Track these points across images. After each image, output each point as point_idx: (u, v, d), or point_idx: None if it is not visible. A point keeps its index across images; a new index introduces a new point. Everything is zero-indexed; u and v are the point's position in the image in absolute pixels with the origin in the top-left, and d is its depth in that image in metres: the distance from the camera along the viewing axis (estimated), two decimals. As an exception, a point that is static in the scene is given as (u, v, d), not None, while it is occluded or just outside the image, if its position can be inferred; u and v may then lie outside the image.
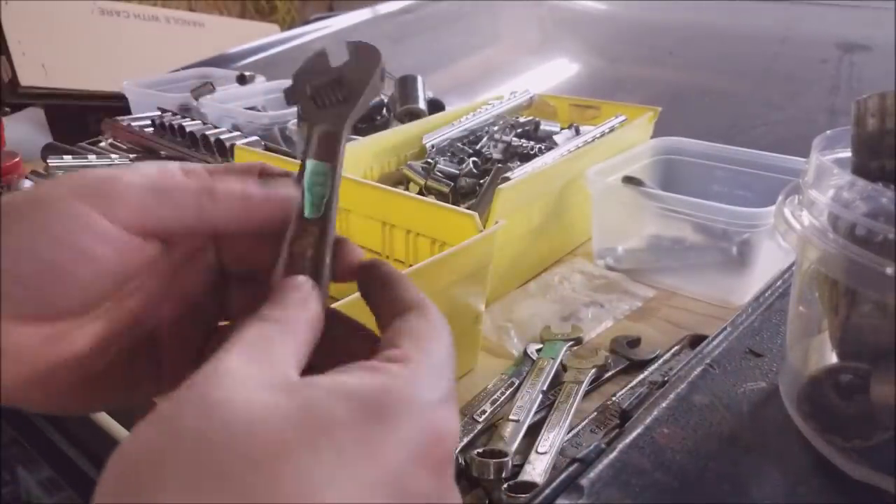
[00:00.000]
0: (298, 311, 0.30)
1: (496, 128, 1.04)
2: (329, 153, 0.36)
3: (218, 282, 0.36)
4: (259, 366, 0.26)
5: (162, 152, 1.16)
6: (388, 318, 0.32)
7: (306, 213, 0.35)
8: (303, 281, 0.32)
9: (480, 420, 0.62)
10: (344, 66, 0.38)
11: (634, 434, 0.46)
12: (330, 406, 0.24)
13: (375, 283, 0.34)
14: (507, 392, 0.66)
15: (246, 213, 0.33)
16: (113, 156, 1.17)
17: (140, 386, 0.35)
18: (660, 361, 0.69)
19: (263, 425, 0.23)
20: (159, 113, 1.32)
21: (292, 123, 1.14)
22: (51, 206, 0.30)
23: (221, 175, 0.34)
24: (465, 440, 0.60)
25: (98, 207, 0.30)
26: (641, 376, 0.67)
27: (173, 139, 1.22)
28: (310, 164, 0.36)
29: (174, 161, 0.35)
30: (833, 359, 0.44)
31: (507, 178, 0.81)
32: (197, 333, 0.36)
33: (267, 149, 1.08)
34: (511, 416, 0.61)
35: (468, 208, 0.78)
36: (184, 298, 0.35)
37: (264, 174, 0.35)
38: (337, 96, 0.38)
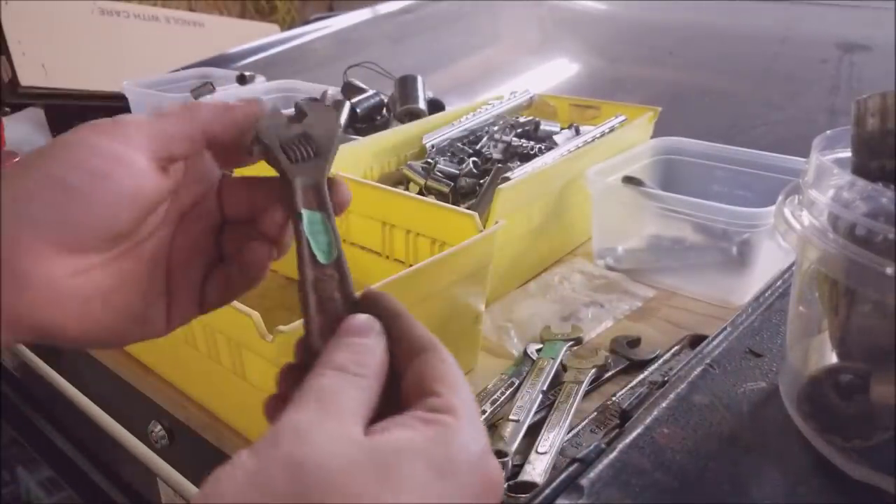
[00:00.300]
0: (369, 358, 0.32)
1: (496, 128, 1.04)
2: (319, 202, 0.39)
3: (216, 226, 0.40)
4: (338, 422, 0.28)
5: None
6: (406, 356, 0.34)
7: (320, 260, 0.37)
8: (369, 324, 0.34)
9: (480, 420, 0.62)
10: (306, 123, 0.40)
11: (634, 434, 0.46)
12: (402, 465, 0.27)
13: (383, 315, 0.35)
14: (507, 392, 0.66)
15: (227, 111, 0.37)
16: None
17: (153, 323, 0.38)
18: (660, 361, 0.69)
19: (345, 486, 0.26)
20: (159, 113, 1.32)
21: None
22: (71, 141, 0.33)
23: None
24: (465, 440, 0.60)
25: (115, 137, 0.33)
26: (641, 376, 0.67)
27: (173, 139, 1.22)
28: (305, 214, 0.38)
29: None
30: (833, 359, 0.44)
31: (507, 178, 0.81)
32: (199, 274, 0.39)
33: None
34: (511, 416, 0.61)
35: (468, 208, 0.78)
36: (190, 241, 0.39)
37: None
38: (308, 151, 0.39)
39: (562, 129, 1.02)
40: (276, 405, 0.34)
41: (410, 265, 0.73)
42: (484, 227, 0.68)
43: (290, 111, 0.41)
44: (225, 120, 0.37)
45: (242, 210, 0.40)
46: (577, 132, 0.99)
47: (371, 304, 0.36)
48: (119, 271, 0.35)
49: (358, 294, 0.37)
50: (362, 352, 0.32)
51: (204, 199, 0.39)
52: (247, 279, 0.39)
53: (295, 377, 0.33)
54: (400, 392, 0.33)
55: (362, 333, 0.33)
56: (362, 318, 0.34)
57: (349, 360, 0.32)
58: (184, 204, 0.39)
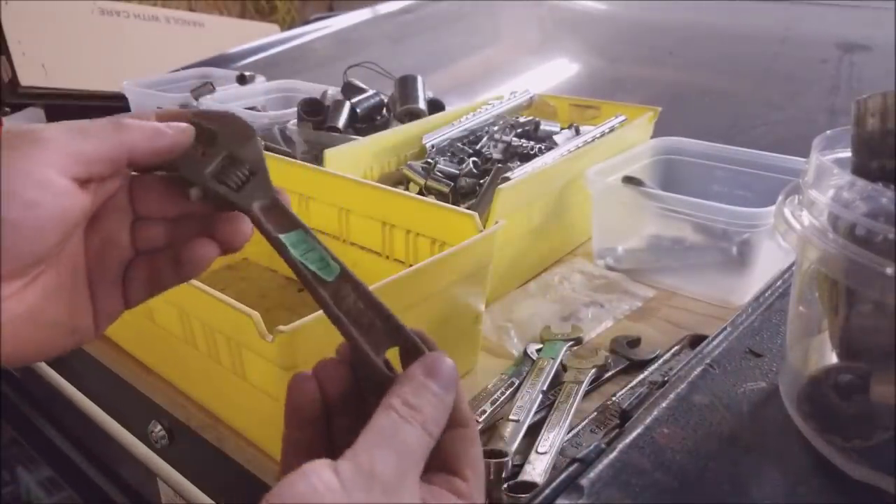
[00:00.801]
0: (444, 417, 0.34)
1: (496, 128, 1.04)
2: (288, 221, 0.38)
3: (129, 222, 0.39)
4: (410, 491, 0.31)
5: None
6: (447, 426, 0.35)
7: (326, 278, 0.38)
8: (453, 377, 0.35)
9: (480, 420, 0.62)
10: (222, 143, 0.39)
11: (634, 434, 0.46)
12: None
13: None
14: (507, 392, 0.66)
15: (156, 137, 0.37)
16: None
17: (82, 330, 0.38)
18: (660, 361, 0.69)
19: None
20: (159, 113, 1.31)
21: (292, 123, 1.14)
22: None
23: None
24: (465, 440, 0.60)
25: (37, 160, 0.32)
26: (641, 376, 0.67)
27: (173, 139, 1.22)
28: (285, 238, 0.37)
29: None
30: (833, 359, 0.44)
31: (507, 178, 0.81)
32: (117, 271, 0.39)
33: (267, 148, 1.08)
34: (511, 416, 0.61)
35: (468, 208, 0.78)
36: (102, 240, 0.38)
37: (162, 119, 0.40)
38: (243, 174, 0.38)
39: (562, 129, 1.02)
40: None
41: (410, 265, 0.73)
42: (484, 227, 0.68)
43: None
44: (153, 147, 0.37)
45: (154, 207, 0.39)
46: (577, 132, 0.99)
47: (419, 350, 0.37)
48: (43, 288, 0.35)
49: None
50: (442, 409, 0.34)
51: (113, 197, 0.39)
52: (182, 274, 0.39)
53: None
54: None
55: (448, 388, 0.34)
56: (451, 367, 0.35)
57: (433, 418, 0.33)
58: (96, 201, 0.38)
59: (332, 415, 0.38)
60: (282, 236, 0.37)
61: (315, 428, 0.38)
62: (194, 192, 0.38)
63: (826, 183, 0.42)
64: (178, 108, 0.44)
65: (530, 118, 1.05)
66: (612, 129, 0.98)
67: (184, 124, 0.38)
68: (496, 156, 0.96)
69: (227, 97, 1.38)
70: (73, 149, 0.34)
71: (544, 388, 0.65)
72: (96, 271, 0.38)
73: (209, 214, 0.40)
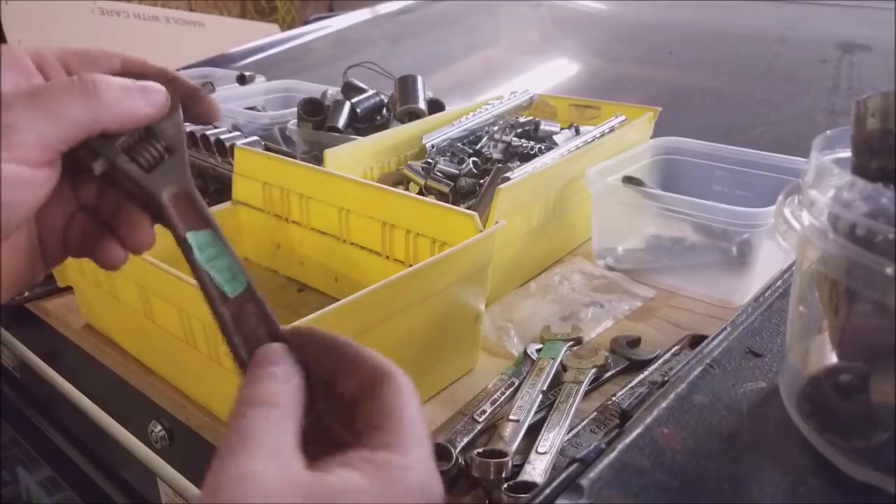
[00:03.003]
0: (281, 385, 0.32)
1: (496, 128, 1.04)
2: (198, 216, 0.35)
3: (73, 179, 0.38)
4: (275, 465, 0.28)
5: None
6: (361, 387, 0.33)
7: (229, 293, 0.34)
8: (278, 352, 0.34)
9: (480, 420, 0.62)
10: None
11: (634, 434, 0.45)
12: None
13: (321, 348, 0.35)
14: (507, 392, 0.66)
15: (130, 111, 0.34)
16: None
17: (35, 273, 0.39)
18: (660, 361, 0.69)
19: None
20: (159, 113, 1.31)
21: (292, 123, 1.14)
22: None
23: (90, 66, 0.37)
24: (465, 440, 0.60)
25: (10, 151, 0.31)
26: (641, 376, 0.67)
27: (173, 139, 1.22)
28: (191, 238, 0.34)
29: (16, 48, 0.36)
30: (833, 359, 0.44)
31: (507, 178, 0.81)
32: (61, 222, 0.39)
33: (267, 148, 1.08)
34: (511, 416, 0.61)
35: (468, 208, 0.78)
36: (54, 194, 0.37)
37: (127, 69, 0.38)
38: (158, 150, 0.35)
39: (562, 129, 1.02)
40: None
41: (410, 265, 0.73)
42: (484, 227, 0.68)
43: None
44: (123, 123, 0.34)
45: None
46: (577, 132, 0.99)
47: (304, 339, 0.35)
48: (9, 246, 0.36)
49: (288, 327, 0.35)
50: (274, 380, 0.32)
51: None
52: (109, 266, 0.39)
53: None
54: (357, 412, 0.33)
55: (272, 363, 0.33)
56: (271, 348, 0.34)
57: (264, 393, 0.31)
58: (57, 176, 0.36)
59: None
60: (189, 235, 0.34)
61: None
62: (98, 165, 0.34)
63: (826, 183, 0.42)
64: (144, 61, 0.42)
65: (530, 118, 1.05)
66: (612, 129, 0.98)
67: (161, 93, 0.36)
68: (496, 156, 0.96)
69: (227, 97, 1.38)
70: (41, 136, 0.32)
71: (544, 388, 0.65)
72: (46, 222, 0.38)
73: (111, 207, 0.38)
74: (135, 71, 0.39)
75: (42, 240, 0.38)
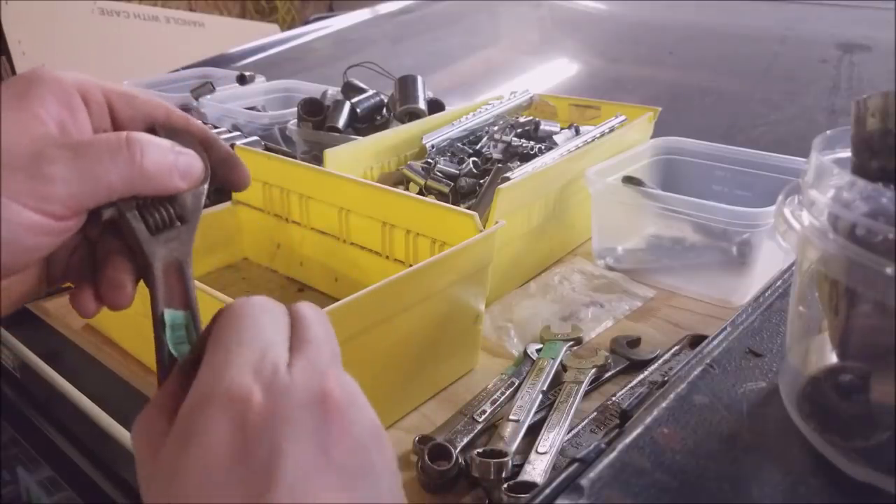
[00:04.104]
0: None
1: (496, 128, 1.04)
2: (181, 294, 0.35)
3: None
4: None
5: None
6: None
7: (178, 359, 0.34)
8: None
9: (480, 420, 0.62)
10: None
11: (634, 434, 0.45)
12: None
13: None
14: (507, 392, 0.66)
15: (166, 184, 0.35)
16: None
17: (40, 292, 0.39)
18: (660, 361, 0.69)
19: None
20: (159, 113, 1.31)
21: (292, 123, 1.14)
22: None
23: (117, 101, 0.37)
24: (465, 440, 0.60)
25: (31, 204, 0.31)
26: (641, 376, 0.67)
27: (173, 139, 1.22)
28: (167, 316, 0.34)
29: (69, 76, 0.36)
30: (833, 359, 0.44)
31: (507, 178, 0.81)
32: (70, 251, 0.39)
33: (267, 149, 1.08)
34: (511, 416, 0.61)
35: (468, 208, 0.78)
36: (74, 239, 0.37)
37: (168, 127, 0.38)
38: (170, 215, 0.35)
39: (562, 129, 1.02)
40: None
41: (410, 265, 0.73)
42: (484, 227, 0.68)
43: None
44: (163, 186, 0.35)
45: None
46: (577, 132, 0.99)
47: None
48: (27, 280, 0.37)
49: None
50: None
51: None
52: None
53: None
54: None
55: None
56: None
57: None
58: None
59: None
60: (166, 312, 0.34)
61: None
62: (107, 212, 0.34)
63: (826, 183, 0.42)
64: (189, 118, 0.41)
65: (530, 118, 1.05)
66: (612, 129, 0.98)
67: (200, 173, 0.37)
68: (496, 156, 0.96)
69: (227, 97, 1.38)
70: (73, 196, 0.32)
71: (544, 388, 0.65)
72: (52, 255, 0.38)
73: (106, 250, 0.37)
74: (177, 126, 0.39)
75: (49, 262, 0.39)
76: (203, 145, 0.38)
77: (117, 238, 0.37)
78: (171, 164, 0.35)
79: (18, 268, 0.33)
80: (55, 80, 0.35)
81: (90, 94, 0.36)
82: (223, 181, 0.41)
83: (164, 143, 0.36)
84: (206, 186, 0.37)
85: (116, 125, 0.37)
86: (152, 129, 0.38)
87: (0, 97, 0.33)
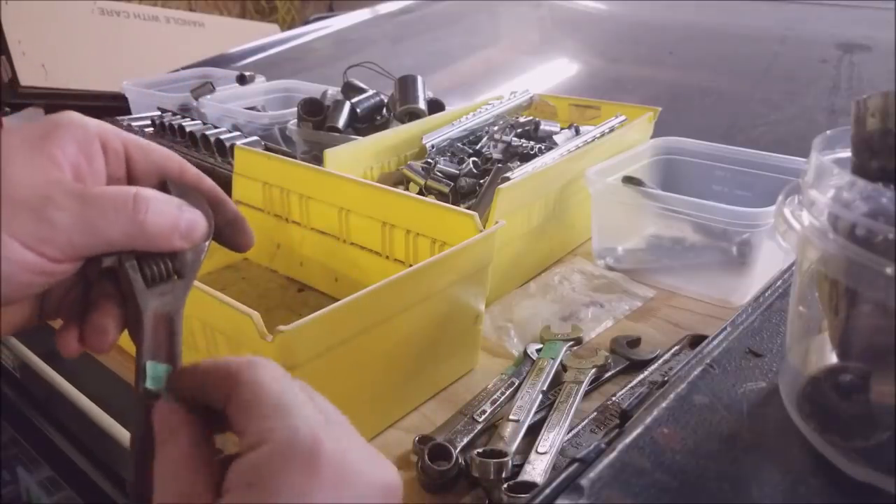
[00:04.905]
0: (175, 441, 0.33)
1: (496, 128, 1.04)
2: (167, 347, 0.35)
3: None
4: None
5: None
6: (220, 399, 0.33)
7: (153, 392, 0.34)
8: (162, 413, 0.34)
9: (480, 420, 0.62)
10: None
11: (634, 434, 0.45)
12: None
13: (194, 386, 0.35)
14: (507, 392, 0.66)
15: (167, 242, 0.36)
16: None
17: (33, 322, 0.40)
18: (660, 361, 0.69)
19: None
20: (159, 113, 1.32)
21: (292, 123, 1.14)
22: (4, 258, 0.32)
23: (135, 151, 0.37)
24: (465, 440, 0.60)
25: (31, 245, 0.32)
26: (641, 376, 0.67)
27: (173, 139, 1.23)
28: (149, 368, 0.34)
29: (92, 123, 0.37)
30: (833, 359, 0.44)
31: (507, 178, 0.81)
32: (66, 289, 0.39)
33: (267, 149, 1.08)
34: (511, 416, 0.61)
35: (468, 208, 0.78)
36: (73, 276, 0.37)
37: (180, 184, 0.39)
38: (167, 268, 0.35)
39: (562, 129, 1.02)
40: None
41: (410, 265, 0.73)
42: (484, 227, 0.68)
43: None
44: (163, 243, 0.36)
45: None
46: (577, 132, 0.99)
47: (188, 380, 0.35)
48: (22, 311, 0.38)
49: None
50: (165, 442, 0.33)
51: None
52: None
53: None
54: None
55: (160, 423, 0.34)
56: (156, 410, 0.34)
57: (166, 456, 0.32)
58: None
59: None
60: (148, 364, 0.34)
61: None
62: (108, 260, 0.35)
63: (826, 183, 0.42)
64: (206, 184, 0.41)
65: (530, 118, 1.05)
66: (612, 129, 0.98)
67: (202, 235, 0.37)
68: (496, 156, 0.96)
69: (227, 97, 1.38)
70: (71, 244, 0.33)
71: (544, 388, 0.65)
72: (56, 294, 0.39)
73: (98, 293, 0.38)
74: (189, 182, 0.39)
75: (44, 297, 0.39)
76: (211, 203, 0.39)
77: (113, 284, 0.37)
78: (173, 224, 0.36)
79: (12, 300, 0.34)
80: (79, 125, 0.36)
81: (109, 143, 0.37)
82: (227, 242, 0.41)
83: (171, 202, 0.36)
84: (207, 244, 0.38)
85: (131, 175, 0.38)
86: (164, 184, 0.38)
87: (23, 135, 0.34)
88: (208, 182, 0.40)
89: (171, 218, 0.36)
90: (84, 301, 0.38)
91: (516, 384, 0.67)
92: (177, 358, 0.35)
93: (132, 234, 0.34)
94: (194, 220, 0.37)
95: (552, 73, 1.72)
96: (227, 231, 0.41)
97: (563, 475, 0.44)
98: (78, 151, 0.35)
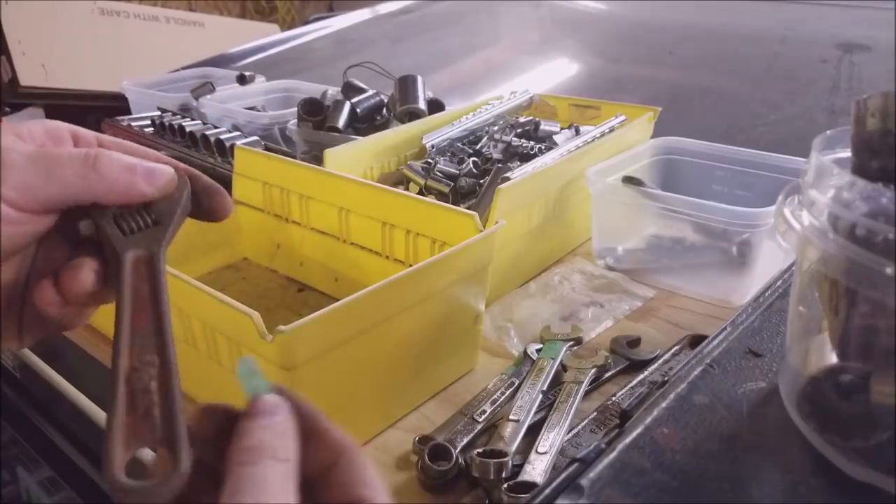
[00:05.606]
0: (289, 441, 0.31)
1: (496, 128, 1.04)
2: (153, 294, 0.33)
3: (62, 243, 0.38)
4: None
5: (162, 152, 1.16)
6: (322, 454, 0.32)
7: None
8: (279, 404, 0.32)
9: (480, 420, 0.62)
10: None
11: (634, 434, 0.45)
12: None
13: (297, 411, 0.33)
14: (507, 392, 0.66)
15: (129, 188, 0.36)
16: (113, 156, 1.17)
17: (5, 337, 0.38)
18: (660, 361, 0.69)
19: None
20: (159, 113, 1.32)
21: (292, 123, 1.14)
22: None
23: (109, 145, 0.38)
24: (465, 440, 0.60)
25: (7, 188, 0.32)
26: (641, 376, 0.67)
27: (173, 139, 1.23)
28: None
29: (64, 123, 0.38)
30: (833, 359, 0.44)
31: (507, 178, 0.81)
32: (16, 299, 0.38)
33: (267, 149, 1.08)
34: (511, 416, 0.61)
35: (468, 208, 0.78)
36: (46, 261, 0.37)
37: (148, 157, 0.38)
38: (145, 220, 0.35)
39: (562, 129, 1.02)
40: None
41: (410, 265, 0.73)
42: (484, 227, 0.68)
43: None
44: (120, 199, 0.36)
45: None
46: (577, 132, 0.99)
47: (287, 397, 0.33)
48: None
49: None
50: (283, 433, 0.31)
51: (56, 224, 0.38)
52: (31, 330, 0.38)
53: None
54: (315, 490, 0.31)
55: (275, 413, 0.31)
56: (272, 399, 0.32)
57: (272, 444, 0.30)
58: (41, 231, 0.36)
59: None
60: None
61: None
62: (84, 226, 0.35)
63: (826, 183, 0.42)
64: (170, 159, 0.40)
65: (530, 118, 1.05)
66: (612, 129, 0.98)
67: (165, 176, 0.37)
68: (496, 156, 0.96)
69: (227, 97, 1.38)
70: (33, 186, 0.33)
71: (544, 388, 0.65)
72: (29, 292, 0.37)
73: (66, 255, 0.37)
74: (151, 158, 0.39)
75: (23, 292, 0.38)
76: (184, 173, 0.39)
77: (96, 250, 0.37)
78: (129, 166, 0.36)
79: None
80: (52, 121, 0.37)
81: (82, 135, 0.38)
82: (206, 208, 0.41)
83: (128, 157, 0.36)
84: (184, 197, 0.37)
85: None
86: None
87: None
88: (183, 166, 0.40)
89: (127, 161, 0.36)
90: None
91: (516, 384, 0.67)
92: (162, 304, 0.33)
93: (90, 180, 0.34)
94: (154, 166, 0.37)
95: (552, 73, 1.72)
96: (204, 197, 0.40)
97: (563, 475, 0.44)
98: (45, 134, 0.36)
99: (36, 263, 0.37)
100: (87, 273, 0.36)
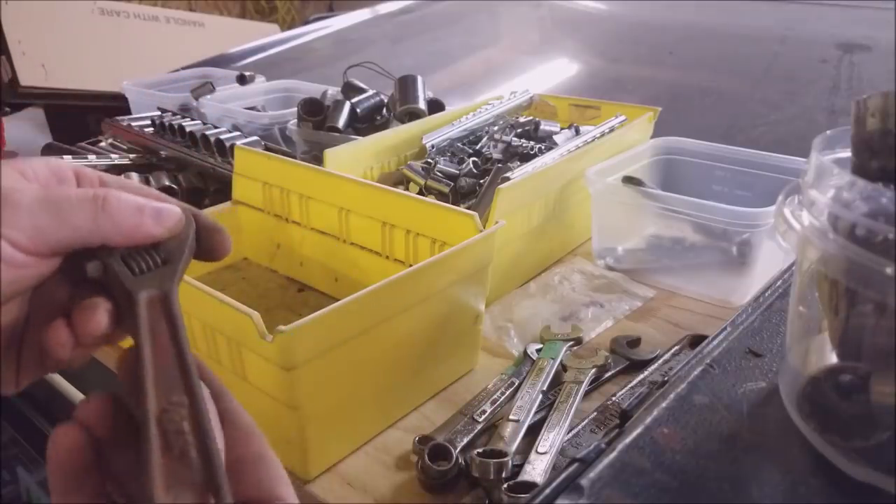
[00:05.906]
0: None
1: (496, 128, 1.04)
2: (170, 330, 0.33)
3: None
4: None
5: (162, 152, 1.16)
6: (235, 442, 0.34)
7: None
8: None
9: (480, 420, 0.62)
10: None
11: (634, 434, 0.45)
12: None
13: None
14: (507, 392, 0.66)
15: (137, 228, 0.35)
16: (113, 156, 1.17)
17: (4, 381, 0.37)
18: (660, 361, 0.69)
19: None
20: (159, 113, 1.32)
21: (292, 123, 1.14)
22: None
23: (112, 184, 0.37)
24: (465, 440, 0.60)
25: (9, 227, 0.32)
26: (641, 376, 0.67)
27: (173, 139, 1.22)
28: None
29: (67, 159, 0.37)
30: (833, 359, 0.44)
31: (507, 178, 0.81)
32: (14, 339, 0.37)
33: (267, 149, 1.08)
34: (511, 416, 0.61)
35: (468, 208, 0.78)
36: (46, 301, 0.37)
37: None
38: (155, 260, 0.35)
39: (562, 129, 1.02)
40: None
41: (410, 265, 0.73)
42: (484, 227, 0.68)
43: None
44: (128, 241, 0.35)
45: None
46: (577, 132, 0.99)
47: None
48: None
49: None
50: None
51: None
52: (44, 364, 0.37)
53: None
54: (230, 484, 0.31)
55: None
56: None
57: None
58: (45, 274, 0.36)
59: (108, 454, 0.34)
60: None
61: (93, 480, 0.33)
62: (91, 267, 0.34)
63: (826, 183, 0.42)
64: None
65: (530, 118, 1.05)
66: (612, 129, 0.98)
67: (174, 216, 0.37)
68: (496, 156, 0.96)
69: (227, 97, 1.38)
70: (44, 229, 0.33)
71: (544, 388, 0.65)
72: (31, 334, 0.37)
73: (68, 295, 0.37)
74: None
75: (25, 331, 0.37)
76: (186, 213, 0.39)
77: (104, 291, 0.36)
78: (138, 207, 0.35)
79: None
80: (54, 159, 0.37)
81: (85, 173, 0.38)
82: (206, 247, 0.40)
83: (137, 198, 0.36)
84: (191, 236, 0.37)
85: None
86: None
87: None
88: (185, 205, 0.40)
89: (135, 202, 0.35)
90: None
91: (516, 384, 0.67)
92: (183, 342, 0.33)
93: (99, 223, 0.34)
94: (161, 206, 0.37)
95: (552, 73, 1.72)
96: (204, 236, 0.40)
97: (563, 475, 0.44)
98: (49, 173, 0.36)
99: (35, 305, 0.37)
100: (101, 314, 0.35)
